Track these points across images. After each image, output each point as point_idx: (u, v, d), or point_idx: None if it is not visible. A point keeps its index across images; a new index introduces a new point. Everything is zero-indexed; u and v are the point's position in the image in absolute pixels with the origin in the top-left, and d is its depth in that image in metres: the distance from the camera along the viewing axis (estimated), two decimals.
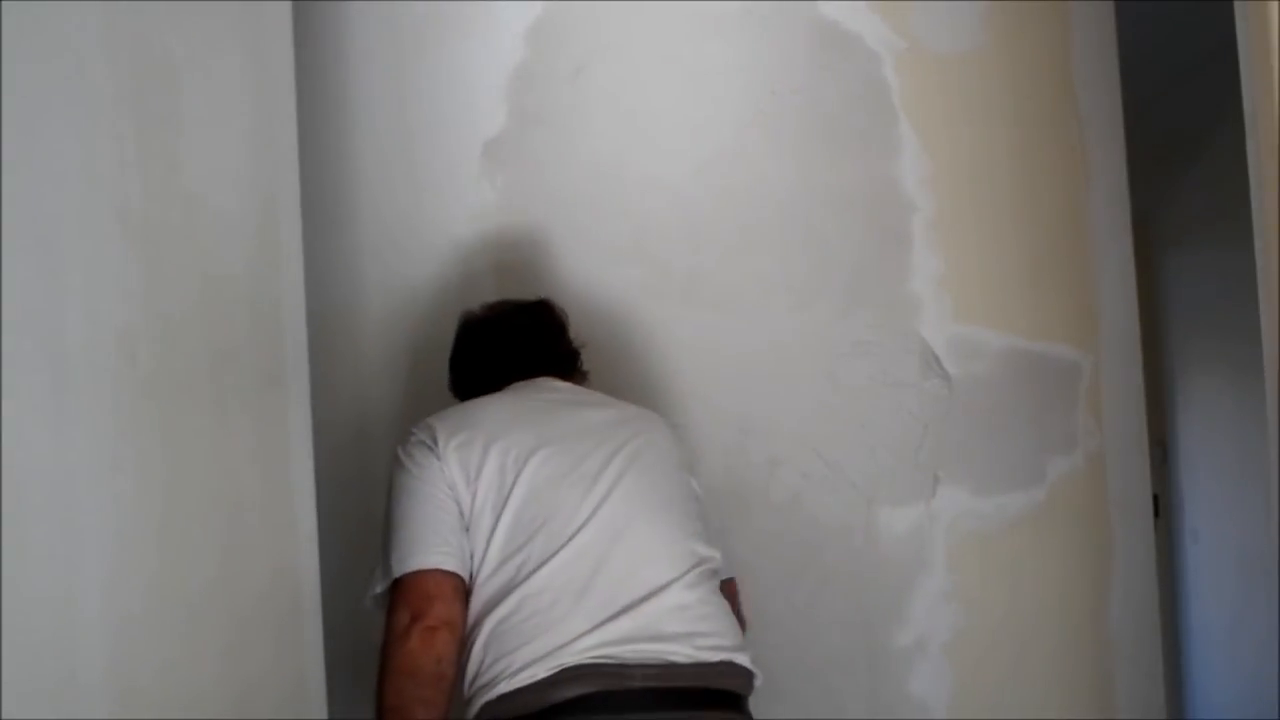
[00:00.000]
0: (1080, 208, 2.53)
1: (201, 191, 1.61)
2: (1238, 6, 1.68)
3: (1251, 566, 4.44)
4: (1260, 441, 1.83)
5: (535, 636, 1.73)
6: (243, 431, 1.69)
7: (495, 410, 1.94)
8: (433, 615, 1.74)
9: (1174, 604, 5.14)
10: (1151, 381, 2.86)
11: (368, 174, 2.39)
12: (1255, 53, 1.62)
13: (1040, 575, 2.41)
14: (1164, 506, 5.07)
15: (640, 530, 1.82)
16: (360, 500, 2.13)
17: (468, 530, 1.81)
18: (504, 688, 1.72)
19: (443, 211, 2.38)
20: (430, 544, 1.79)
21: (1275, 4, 1.56)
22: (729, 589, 1.98)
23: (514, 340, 2.08)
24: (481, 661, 1.76)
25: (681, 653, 1.75)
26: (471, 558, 1.81)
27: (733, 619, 1.86)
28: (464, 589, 1.79)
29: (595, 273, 2.34)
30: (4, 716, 1.19)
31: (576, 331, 2.13)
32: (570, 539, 1.79)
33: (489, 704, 1.73)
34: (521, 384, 2.03)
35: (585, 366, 2.12)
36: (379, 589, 1.81)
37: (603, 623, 1.74)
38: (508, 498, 1.81)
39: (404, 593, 1.77)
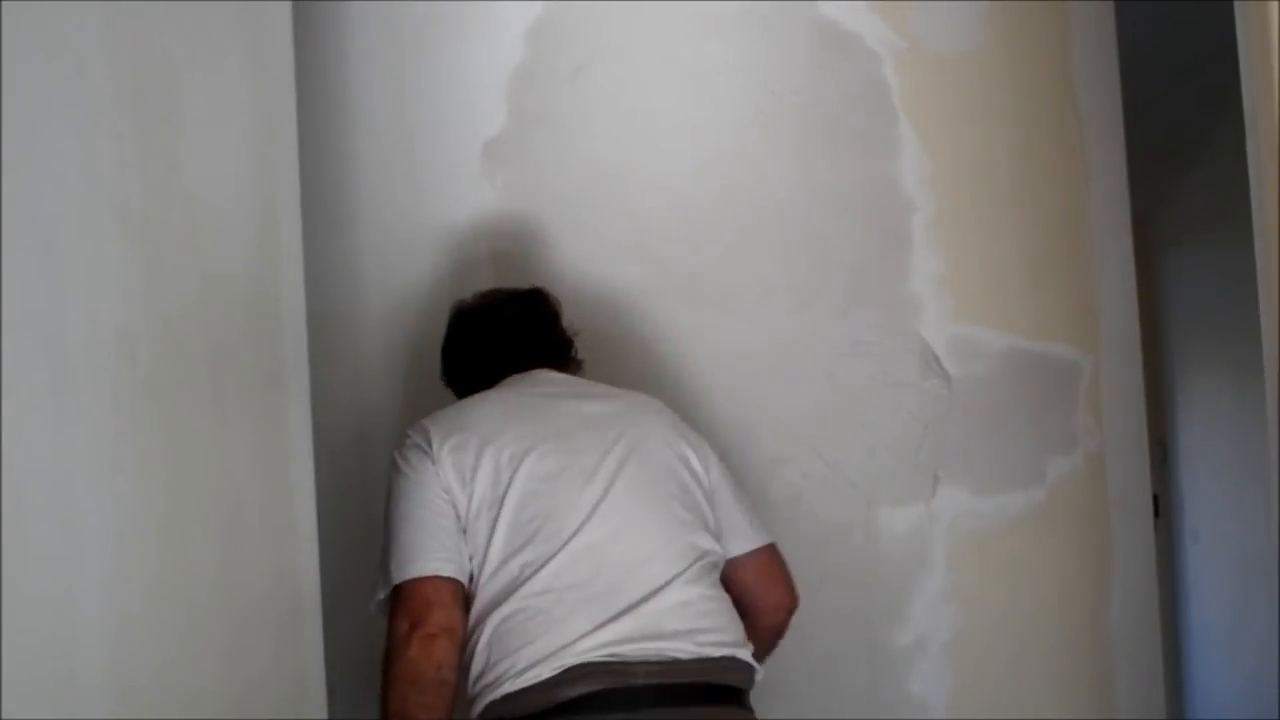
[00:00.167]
0: (1080, 208, 2.53)
1: (201, 191, 1.61)
2: (1238, 6, 1.68)
3: (1251, 566, 4.44)
4: (1260, 441, 1.83)
5: (538, 637, 1.74)
6: (243, 431, 1.69)
7: (489, 409, 1.93)
8: (431, 623, 1.75)
9: (1174, 604, 5.14)
10: (1151, 381, 2.87)
11: (368, 174, 2.39)
12: (1255, 53, 1.62)
13: (1040, 575, 2.41)
14: (1164, 506, 5.07)
15: (639, 527, 1.83)
16: (360, 500, 2.12)
17: (466, 532, 1.81)
18: (509, 687, 1.73)
19: (443, 211, 2.38)
20: (428, 550, 1.79)
21: (1275, 4, 1.56)
22: (762, 560, 1.97)
23: (507, 330, 2.07)
24: (486, 661, 1.77)
25: (684, 649, 1.76)
26: (471, 559, 1.81)
27: (733, 613, 1.86)
28: (463, 593, 1.80)
29: (595, 272, 2.33)
30: (4, 716, 1.19)
31: (570, 320, 2.12)
32: (570, 539, 1.79)
33: (494, 703, 1.74)
34: (516, 378, 2.02)
35: (580, 355, 2.11)
36: (380, 596, 1.82)
37: (605, 623, 1.74)
38: (504, 498, 1.81)
39: (403, 600, 1.78)
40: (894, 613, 2.32)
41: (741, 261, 2.36)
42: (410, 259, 2.37)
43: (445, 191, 2.38)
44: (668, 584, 1.79)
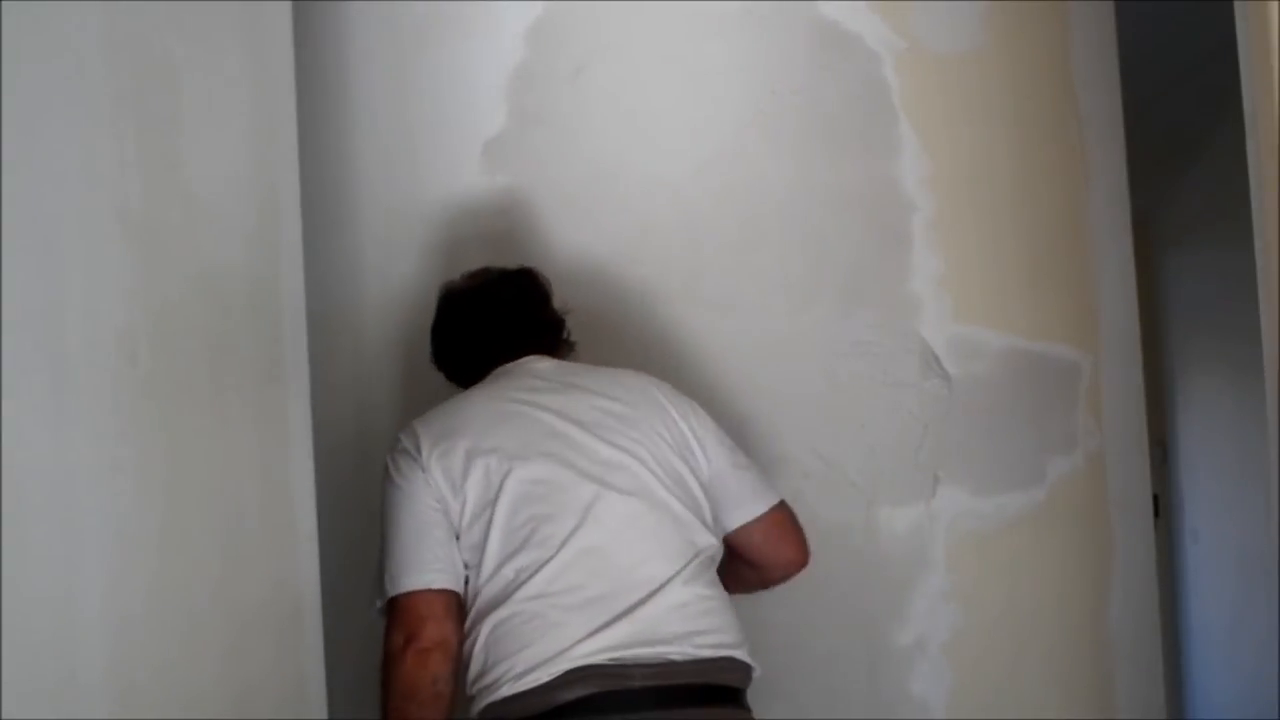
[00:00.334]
0: (1080, 208, 2.53)
1: (201, 191, 1.61)
2: (1238, 6, 1.68)
3: (1251, 566, 4.44)
4: (1260, 441, 1.83)
5: (534, 641, 1.74)
6: (243, 432, 1.69)
7: (478, 410, 1.92)
8: (425, 637, 1.77)
9: (1174, 604, 5.15)
10: (1151, 381, 2.87)
11: (368, 173, 2.39)
12: (1255, 53, 1.62)
13: (1040, 575, 2.41)
14: (1164, 506, 5.07)
15: (634, 527, 1.82)
16: (360, 498, 2.12)
17: (460, 538, 1.82)
18: (507, 690, 1.74)
19: (443, 211, 2.38)
20: (420, 563, 1.80)
21: (1275, 4, 1.56)
22: (770, 522, 1.96)
23: (497, 313, 2.04)
24: (484, 663, 1.78)
25: (682, 652, 1.76)
26: (467, 566, 1.82)
27: (732, 613, 1.86)
28: (456, 602, 1.81)
29: (595, 272, 2.33)
30: (4, 716, 1.19)
31: (562, 300, 2.10)
32: (564, 543, 1.78)
33: (493, 704, 1.75)
34: (506, 369, 1.99)
35: (572, 337, 2.08)
36: (379, 604, 1.83)
37: (602, 627, 1.75)
38: (495, 504, 1.80)
39: (398, 613, 1.80)
40: (894, 613, 2.32)
41: (742, 261, 2.36)
42: (410, 259, 2.37)
43: (445, 191, 2.38)
44: (664, 585, 1.79)
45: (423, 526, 1.81)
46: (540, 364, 2.00)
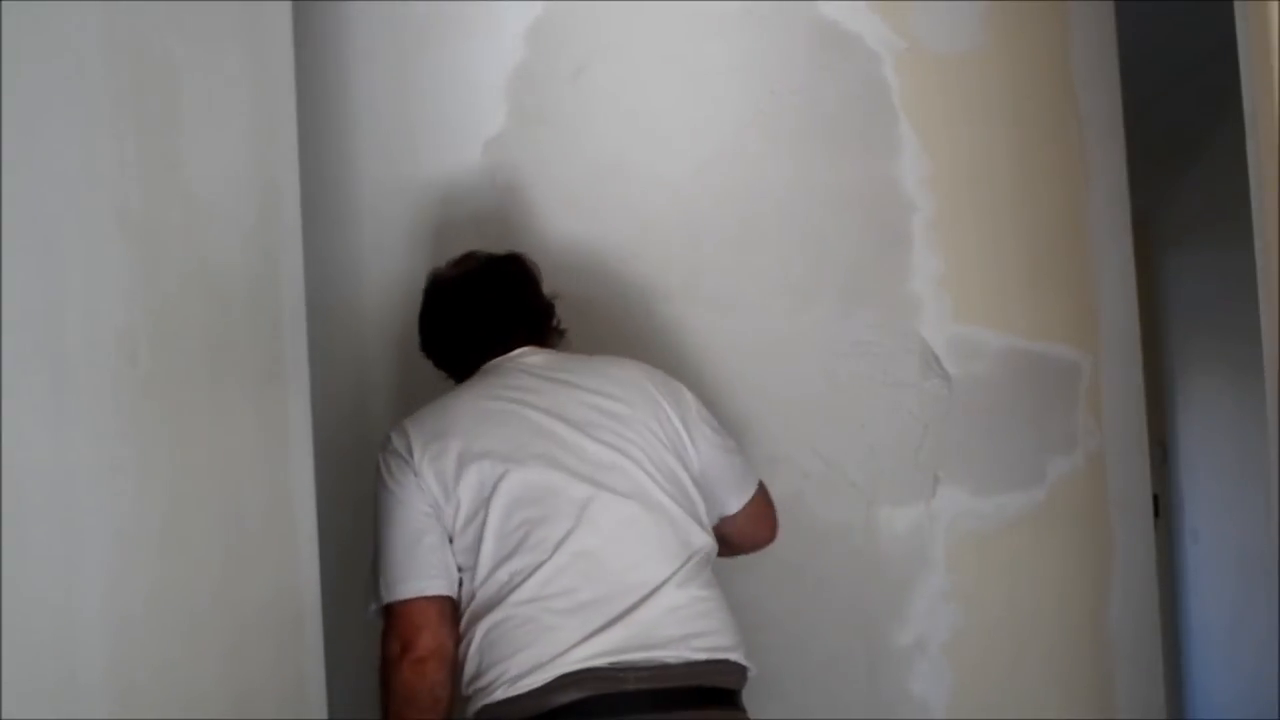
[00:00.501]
0: (1080, 208, 2.54)
1: (201, 191, 1.61)
2: (1238, 6, 1.68)
3: (1251, 566, 4.44)
4: (1260, 441, 1.83)
5: (529, 644, 1.75)
6: (243, 432, 1.69)
7: (470, 408, 1.90)
8: (420, 646, 1.78)
9: (1174, 604, 5.14)
10: (1151, 381, 2.87)
11: (368, 173, 2.39)
12: (1255, 53, 1.62)
13: (1040, 575, 2.41)
14: (1164, 506, 5.07)
15: (629, 529, 1.82)
16: (361, 498, 2.11)
17: (453, 540, 1.81)
18: (501, 694, 1.74)
19: (443, 210, 2.38)
20: (413, 570, 1.80)
21: (1275, 4, 1.56)
22: (753, 507, 2.00)
23: (484, 300, 2.02)
24: (478, 665, 1.78)
25: (677, 655, 1.76)
26: (461, 570, 1.82)
27: (727, 613, 1.85)
28: (451, 606, 1.81)
29: (595, 272, 2.33)
30: (4, 717, 1.19)
31: (551, 286, 2.08)
32: (559, 545, 1.78)
33: (488, 707, 1.76)
34: (496, 364, 1.97)
35: (562, 325, 2.06)
36: (373, 607, 1.84)
37: (597, 631, 1.75)
38: (489, 506, 1.80)
39: (393, 621, 1.80)
40: (894, 613, 2.33)
41: (742, 261, 2.36)
42: (410, 257, 2.37)
43: (446, 191, 2.38)
44: (659, 588, 1.79)
45: (416, 531, 1.81)
46: (531, 358, 1.98)
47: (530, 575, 1.77)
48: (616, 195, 2.36)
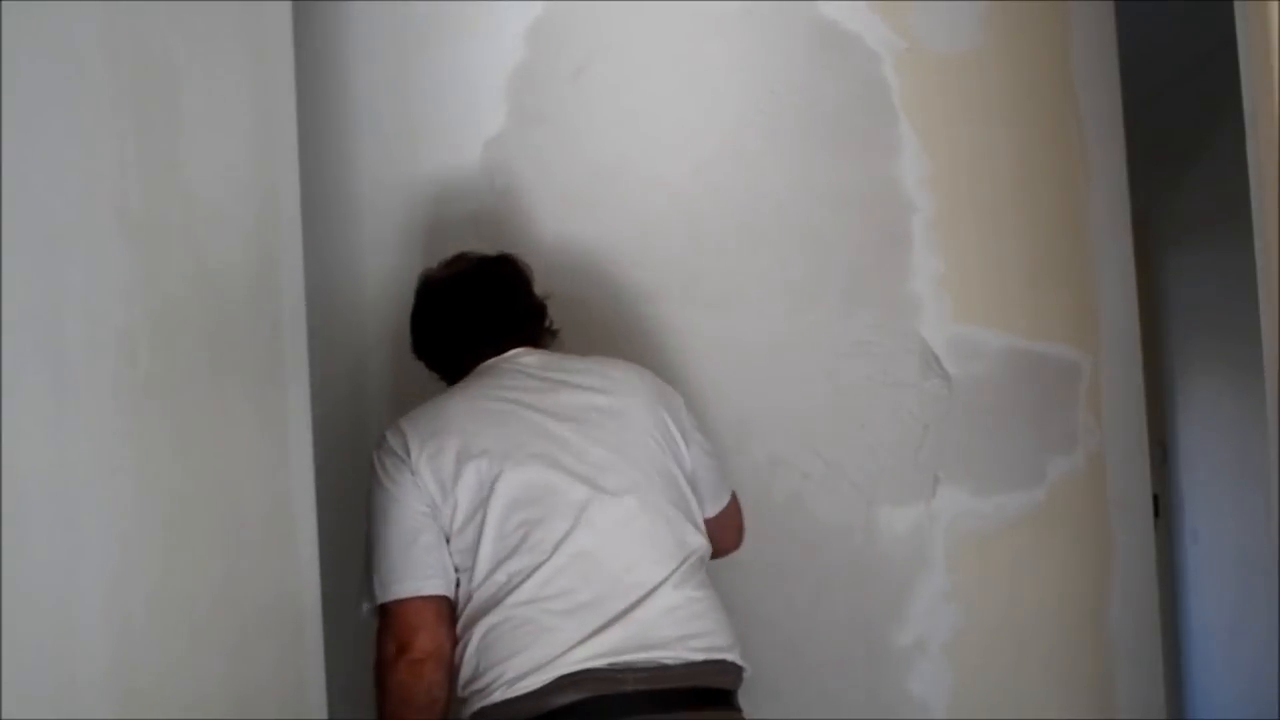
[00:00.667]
0: (1080, 208, 2.54)
1: (201, 191, 1.61)
2: (1238, 6, 1.68)
3: (1251, 566, 4.44)
4: (1260, 441, 1.83)
5: (527, 646, 1.74)
6: (243, 433, 1.69)
7: (466, 408, 1.89)
8: (417, 648, 1.77)
9: (1174, 604, 5.15)
10: (1151, 381, 2.87)
11: (368, 173, 2.39)
12: (1255, 53, 1.62)
13: (1040, 575, 2.41)
14: (1164, 506, 5.07)
15: (627, 529, 1.82)
16: (360, 498, 2.12)
17: (450, 541, 1.81)
18: (500, 695, 1.74)
19: (443, 210, 2.38)
20: (410, 570, 1.80)
21: (1275, 4, 1.56)
22: (726, 514, 2.02)
23: (476, 302, 2.01)
24: (475, 667, 1.77)
25: (674, 656, 1.77)
26: (459, 570, 1.81)
27: (723, 613, 1.86)
28: (448, 606, 1.81)
29: (594, 272, 2.33)
30: (4, 718, 1.19)
31: (543, 286, 2.07)
32: (556, 547, 1.78)
33: (486, 708, 1.75)
34: (490, 365, 1.96)
35: (555, 325, 2.05)
36: (366, 606, 1.83)
37: (595, 633, 1.75)
38: (487, 507, 1.79)
39: (389, 621, 1.80)
40: (894, 613, 2.32)
41: (741, 261, 2.36)
42: (410, 258, 2.37)
43: (446, 190, 2.38)
44: (656, 589, 1.79)
45: (412, 531, 1.81)
46: (527, 358, 1.97)
47: (529, 576, 1.77)
48: (616, 195, 2.36)
